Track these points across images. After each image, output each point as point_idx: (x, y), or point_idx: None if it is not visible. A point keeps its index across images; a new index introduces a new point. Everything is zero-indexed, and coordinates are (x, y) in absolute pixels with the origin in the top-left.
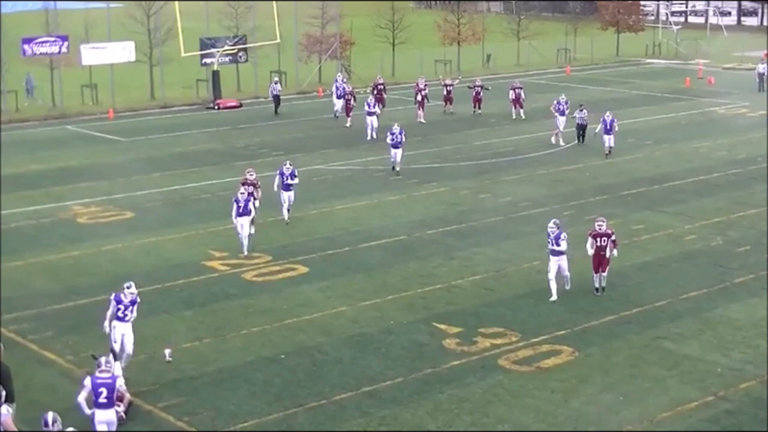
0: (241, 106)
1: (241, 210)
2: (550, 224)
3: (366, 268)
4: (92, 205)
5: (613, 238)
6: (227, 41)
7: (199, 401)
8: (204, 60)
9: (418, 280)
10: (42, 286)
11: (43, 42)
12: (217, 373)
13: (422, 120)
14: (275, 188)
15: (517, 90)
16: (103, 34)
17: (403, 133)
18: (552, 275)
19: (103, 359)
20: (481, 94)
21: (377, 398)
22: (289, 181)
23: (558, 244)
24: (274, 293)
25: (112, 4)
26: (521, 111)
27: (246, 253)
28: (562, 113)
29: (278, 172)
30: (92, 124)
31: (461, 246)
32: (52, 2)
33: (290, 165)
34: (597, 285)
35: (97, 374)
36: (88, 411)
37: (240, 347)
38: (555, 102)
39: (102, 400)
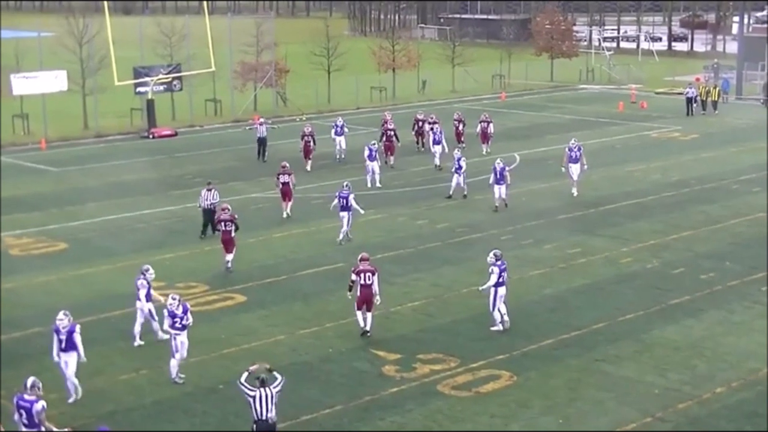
0: (176, 134)
1: (63, 345)
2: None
3: (304, 295)
4: (24, 236)
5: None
6: (161, 70)
7: None
8: (138, 89)
9: None
10: None
11: None
12: (156, 405)
13: (391, 163)
14: (332, 208)
15: (482, 124)
16: (34, 63)
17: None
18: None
19: (29, 381)
20: (488, 129)
21: (317, 426)
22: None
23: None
24: (212, 323)
25: (43, 33)
26: (487, 146)
27: (73, 395)
28: (575, 161)
29: (337, 194)
30: (24, 154)
31: (399, 272)
32: None
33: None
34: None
35: (24, 396)
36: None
37: None
38: (566, 149)
39: (24, 421)
